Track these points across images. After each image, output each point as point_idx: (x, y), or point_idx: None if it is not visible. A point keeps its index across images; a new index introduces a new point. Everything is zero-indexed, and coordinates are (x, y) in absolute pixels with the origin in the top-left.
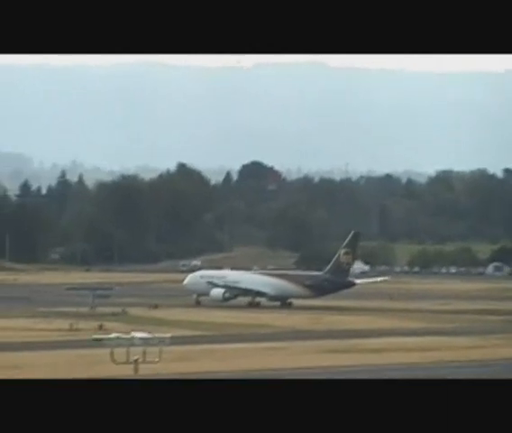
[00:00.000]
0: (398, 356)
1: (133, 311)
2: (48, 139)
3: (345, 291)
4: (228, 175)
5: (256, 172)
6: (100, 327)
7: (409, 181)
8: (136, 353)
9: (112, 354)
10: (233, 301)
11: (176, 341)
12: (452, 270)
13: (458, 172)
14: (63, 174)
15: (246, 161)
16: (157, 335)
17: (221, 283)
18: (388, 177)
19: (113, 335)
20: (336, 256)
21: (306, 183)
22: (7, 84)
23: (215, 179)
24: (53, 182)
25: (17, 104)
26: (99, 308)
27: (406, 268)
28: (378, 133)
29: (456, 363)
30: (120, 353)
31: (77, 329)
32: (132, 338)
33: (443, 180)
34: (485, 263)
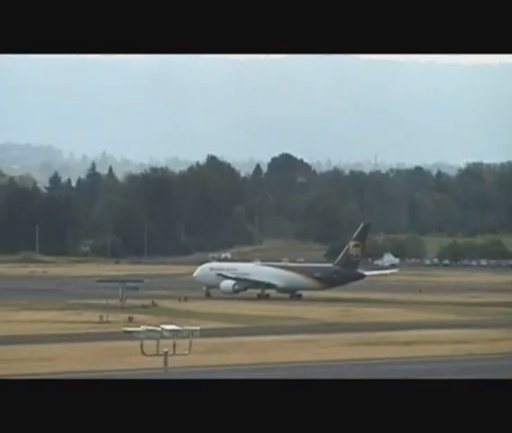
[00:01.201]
0: (429, 349)
1: (163, 304)
2: (78, 131)
3: (374, 284)
4: (258, 167)
5: (286, 165)
6: (130, 320)
7: (439, 174)
8: (166, 345)
9: (142, 346)
10: (242, 293)
11: (206, 333)
12: (483, 262)
13: (488, 164)
14: (93, 166)
15: (276, 154)
16: (187, 327)
17: (231, 275)
18: (418, 169)
19: (142, 327)
20: (346, 248)
21: (335, 175)
22: (36, 77)
23: (245, 171)
24: (83, 175)
25: (47, 97)
26: (129, 301)
27: (436, 260)
28: (408, 125)
29: (487, 356)
30: (150, 345)
31: (107, 322)
32: (162, 331)
33: (474, 173)
34: None
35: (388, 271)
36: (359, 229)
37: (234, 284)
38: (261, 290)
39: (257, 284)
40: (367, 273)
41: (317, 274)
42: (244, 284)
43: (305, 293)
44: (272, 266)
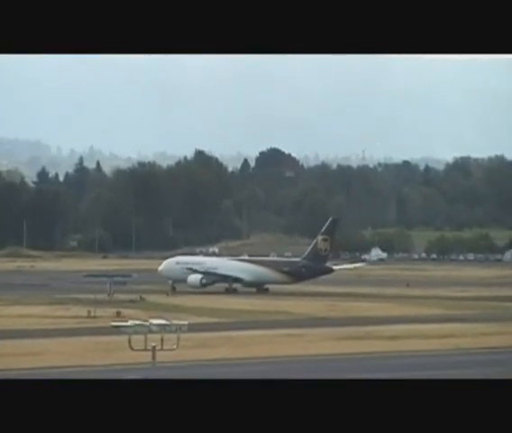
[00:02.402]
0: (416, 343)
1: (151, 298)
2: (65, 126)
3: (362, 279)
4: (246, 162)
5: (274, 159)
6: (118, 314)
7: (427, 168)
8: (154, 340)
9: (130, 340)
10: (210, 287)
11: (194, 328)
12: (470, 256)
13: (476, 159)
14: (81, 161)
15: (264, 148)
16: (174, 322)
17: (200, 269)
18: (406, 163)
19: (130, 322)
20: (314, 243)
21: (323, 170)
22: (23, 71)
23: (233, 165)
24: (71, 169)
25: (34, 91)
26: (117, 296)
27: (423, 255)
28: (395, 119)
29: (474, 350)
30: (138, 340)
31: (94, 316)
32: (150, 325)
33: (461, 167)
34: (503, 250)
35: (354, 265)
36: (327, 223)
37: (202, 278)
38: (229, 285)
39: (225, 278)
40: (336, 268)
41: (285, 268)
42: (212, 278)
43: (290, 288)
44: (241, 261)
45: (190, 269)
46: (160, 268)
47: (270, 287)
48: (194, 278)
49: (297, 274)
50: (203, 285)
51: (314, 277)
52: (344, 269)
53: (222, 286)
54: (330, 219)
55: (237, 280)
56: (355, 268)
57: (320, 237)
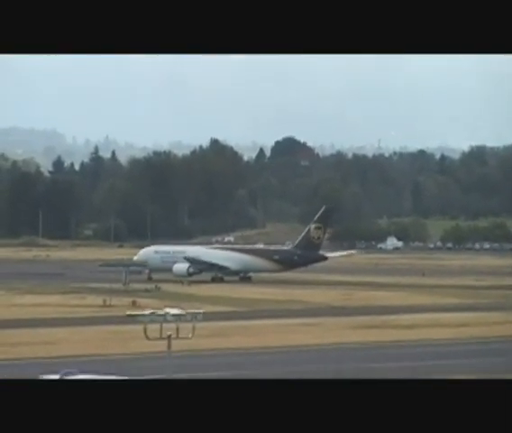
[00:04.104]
0: (432, 332)
1: (166, 287)
2: (80, 116)
3: (377, 267)
4: (261, 151)
5: (289, 148)
6: (133, 304)
7: (443, 157)
8: (169, 329)
9: (145, 330)
10: (196, 276)
11: (209, 317)
12: (486, 245)
13: (491, 148)
14: (96, 150)
15: (279, 137)
16: (190, 311)
17: (189, 258)
18: (422, 152)
19: (146, 311)
20: (306, 230)
21: (338, 159)
22: (39, 62)
23: (248, 155)
24: (86, 158)
25: (49, 81)
26: (132, 285)
27: (439, 244)
28: (411, 108)
29: (489, 339)
30: (153, 329)
31: (110, 305)
32: (166, 314)
33: (477, 156)
34: None
35: (347, 252)
36: (321, 211)
37: (189, 267)
38: (215, 273)
39: (213, 267)
40: (329, 255)
41: (276, 257)
42: (199, 267)
43: (304, 276)
44: (227, 249)
45: (187, 258)
46: (136, 257)
47: (265, 275)
48: (180, 267)
49: (288, 262)
50: (189, 274)
51: (306, 265)
52: (339, 256)
53: (208, 275)
54: (324, 207)
55: (224, 268)
56: (349, 255)
57: (313, 225)
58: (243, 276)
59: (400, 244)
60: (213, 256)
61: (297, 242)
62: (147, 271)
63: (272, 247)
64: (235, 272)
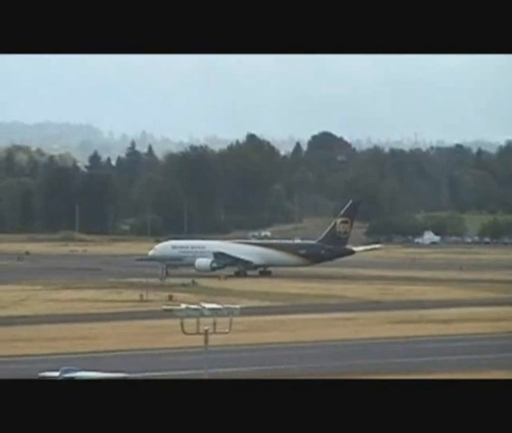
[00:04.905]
0: (469, 327)
1: (203, 282)
2: (117, 110)
3: (415, 262)
4: (298, 145)
5: (326, 143)
6: (170, 298)
7: (479, 151)
8: (206, 323)
9: (182, 324)
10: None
11: (245, 312)
12: None
13: None
14: (133, 145)
15: (316, 132)
16: (227, 305)
17: (217, 252)
18: (459, 147)
19: (183, 305)
20: (332, 225)
21: (375, 153)
22: (74, 56)
23: (285, 149)
24: (123, 153)
25: (85, 76)
26: (169, 279)
27: (476, 238)
28: (448, 102)
29: None
30: (190, 323)
31: (147, 300)
32: (202, 309)
33: None
34: None
35: (370, 247)
36: (347, 206)
37: (212, 262)
38: (241, 267)
39: (237, 262)
40: (356, 249)
41: (302, 251)
42: (223, 261)
43: (344, 271)
44: (250, 244)
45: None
46: (151, 252)
47: (288, 270)
48: (204, 261)
49: (314, 256)
50: (212, 269)
51: (333, 259)
52: (363, 250)
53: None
54: (350, 202)
55: (248, 263)
56: (373, 249)
57: (339, 220)
58: (263, 270)
59: (437, 238)
60: (236, 251)
61: (322, 236)
62: (164, 266)
63: (297, 241)
64: (259, 267)
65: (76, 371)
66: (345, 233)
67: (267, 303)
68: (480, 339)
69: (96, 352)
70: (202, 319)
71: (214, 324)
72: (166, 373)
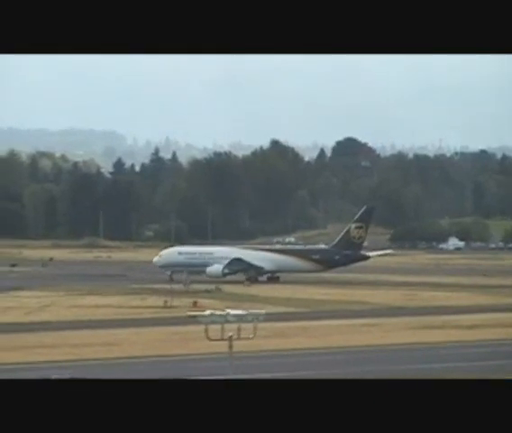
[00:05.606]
0: (493, 333)
1: (227, 288)
2: (141, 116)
3: (439, 268)
4: (322, 151)
5: (350, 149)
6: (194, 304)
7: (504, 157)
8: (231, 329)
9: (206, 330)
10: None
11: (270, 318)
12: None
13: None
14: (156, 151)
15: (340, 138)
16: (251, 311)
17: (235, 258)
18: (483, 152)
19: (207, 311)
20: (346, 230)
21: (399, 159)
22: (99, 61)
23: (309, 155)
24: (147, 160)
25: (111, 82)
26: (193, 286)
27: (500, 244)
28: (473, 108)
29: None
30: (214, 329)
31: (171, 306)
32: (227, 315)
33: None
34: None
35: (384, 252)
36: (361, 211)
37: (224, 268)
38: (249, 274)
39: (249, 267)
40: (370, 254)
41: (316, 256)
42: (234, 268)
43: (367, 277)
44: (262, 250)
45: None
46: (156, 259)
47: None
48: (215, 268)
49: (329, 262)
50: (224, 275)
51: (347, 264)
52: (376, 255)
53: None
54: (364, 207)
55: (260, 269)
56: (385, 254)
57: (353, 225)
58: (271, 276)
59: (462, 244)
60: (248, 257)
61: (335, 241)
62: (169, 272)
63: (310, 247)
64: (271, 272)
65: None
66: (360, 238)
67: (291, 309)
68: (505, 345)
69: (120, 358)
70: (226, 325)
71: (239, 330)
72: (190, 379)
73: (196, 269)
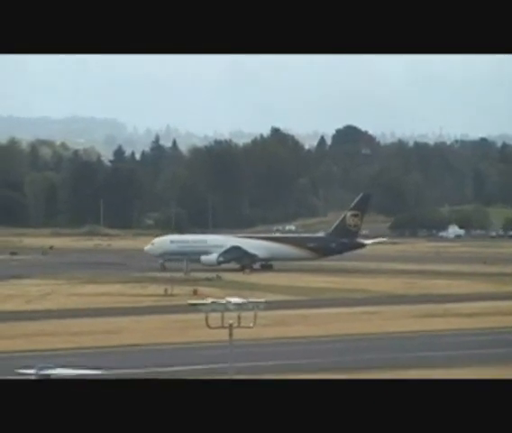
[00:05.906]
0: (493, 320)
1: (227, 276)
2: (141, 105)
3: (440, 255)
4: (322, 139)
5: (350, 137)
6: (195, 292)
7: (504, 145)
8: (231, 318)
9: (207, 318)
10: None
11: (270, 306)
12: None
13: None
14: (157, 139)
15: (340, 126)
16: (252, 300)
17: (234, 246)
18: (483, 140)
19: (207, 300)
20: (341, 218)
21: (400, 147)
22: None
23: (309, 143)
24: (147, 148)
25: (111, 69)
26: (193, 274)
27: (501, 232)
28: (473, 96)
29: None
30: (215, 318)
31: (171, 294)
32: (227, 303)
33: None
34: None
35: (379, 240)
36: (357, 199)
37: (219, 256)
38: (245, 263)
39: (244, 256)
40: (366, 242)
41: (311, 244)
42: (229, 256)
43: (370, 266)
44: (257, 238)
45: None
46: (148, 247)
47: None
48: (211, 256)
49: (324, 249)
50: (219, 263)
51: (342, 252)
52: (371, 243)
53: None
54: (361, 195)
55: (254, 257)
56: (379, 242)
57: (349, 213)
58: (264, 264)
59: (462, 232)
60: (244, 245)
61: (331, 229)
62: (161, 261)
63: (306, 235)
64: (265, 261)
65: (52, 368)
66: (355, 226)
67: (291, 297)
68: (505, 333)
69: (120, 346)
70: (226, 314)
71: (239, 318)
72: (191, 367)
73: (188, 257)
